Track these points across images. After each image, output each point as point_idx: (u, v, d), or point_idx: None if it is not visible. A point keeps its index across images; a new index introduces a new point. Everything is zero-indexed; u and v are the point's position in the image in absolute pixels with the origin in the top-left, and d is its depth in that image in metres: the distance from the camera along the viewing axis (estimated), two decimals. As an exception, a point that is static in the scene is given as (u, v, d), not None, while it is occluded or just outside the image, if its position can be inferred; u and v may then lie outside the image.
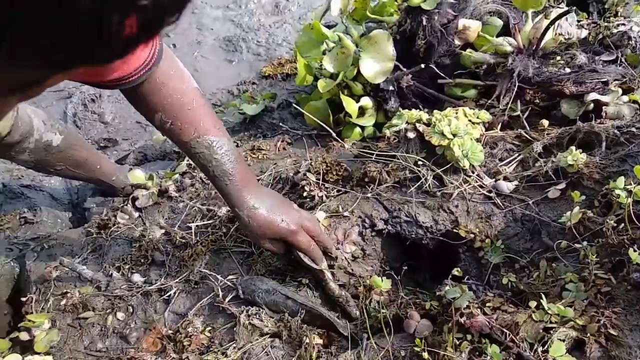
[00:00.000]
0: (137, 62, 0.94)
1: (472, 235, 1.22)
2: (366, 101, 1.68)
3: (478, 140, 1.34)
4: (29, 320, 1.25)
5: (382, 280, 1.11)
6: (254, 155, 1.70)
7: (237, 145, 1.84)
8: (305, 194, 1.39)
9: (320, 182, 1.44)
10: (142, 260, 1.42)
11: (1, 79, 0.37)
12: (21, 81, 0.41)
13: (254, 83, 2.36)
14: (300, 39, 1.82)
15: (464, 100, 1.63)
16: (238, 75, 2.48)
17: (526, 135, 1.36)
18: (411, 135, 1.37)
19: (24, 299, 1.36)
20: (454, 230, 1.24)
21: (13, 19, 0.30)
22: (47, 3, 0.30)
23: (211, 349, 1.15)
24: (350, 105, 1.63)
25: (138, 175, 1.62)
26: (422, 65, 1.55)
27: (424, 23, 1.60)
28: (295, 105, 1.92)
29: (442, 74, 1.63)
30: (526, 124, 1.39)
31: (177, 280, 1.34)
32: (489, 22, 1.64)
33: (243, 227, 1.16)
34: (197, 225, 1.45)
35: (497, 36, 1.63)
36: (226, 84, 2.42)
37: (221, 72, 2.51)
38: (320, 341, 1.12)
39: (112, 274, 1.40)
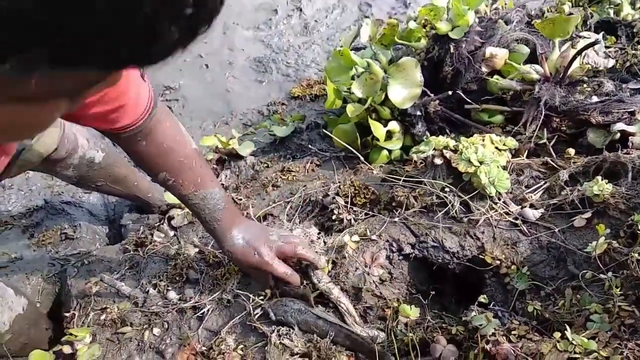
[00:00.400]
0: (139, 110, 1.07)
1: (498, 262, 1.25)
2: (394, 125, 1.73)
3: (504, 167, 1.37)
4: (71, 334, 1.33)
5: (410, 309, 1.14)
6: (283, 177, 1.76)
7: (267, 167, 1.90)
8: (334, 217, 1.43)
9: (349, 205, 1.48)
10: (177, 278, 1.48)
11: (56, 79, 0.42)
12: (70, 84, 0.46)
13: (283, 104, 2.43)
14: (330, 65, 1.88)
15: (491, 125, 1.66)
16: (268, 95, 2.55)
17: (552, 163, 1.38)
18: (438, 161, 1.41)
19: (66, 314, 1.44)
20: (480, 256, 1.27)
21: (73, 20, 0.35)
22: (110, 9, 0.35)
23: (243, 366, 1.20)
24: (378, 130, 1.68)
25: (172, 196, 1.69)
26: (450, 92, 1.59)
27: (452, 51, 1.64)
28: (323, 128, 1.98)
29: (468, 100, 1.66)
30: (552, 152, 1.42)
31: (210, 298, 1.40)
32: (516, 49, 1.67)
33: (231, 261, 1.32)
34: (229, 245, 1.50)
35: (524, 64, 1.66)
36: (256, 104, 2.50)
37: (251, 92, 2.59)
38: (349, 362, 1.15)
39: (148, 290, 1.47)
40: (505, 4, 2.23)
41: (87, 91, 0.49)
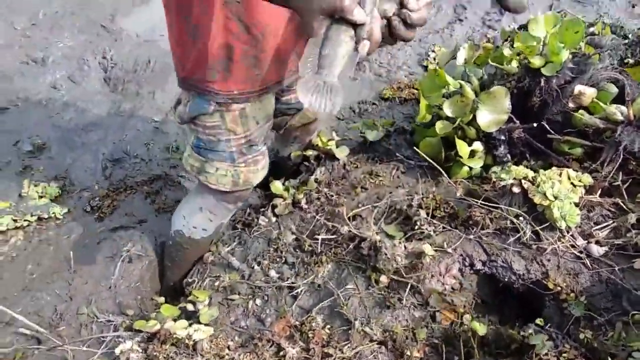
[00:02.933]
0: None
1: (559, 288, 1.43)
2: (477, 145, 1.90)
3: (577, 204, 1.52)
4: (194, 295, 1.65)
5: (479, 325, 1.36)
6: (372, 180, 1.98)
7: (357, 167, 2.12)
8: (416, 227, 1.65)
9: (429, 217, 1.69)
10: (278, 259, 1.77)
11: None
12: None
13: (374, 103, 2.63)
14: (424, 81, 2.05)
15: (570, 157, 1.79)
16: (359, 93, 2.75)
17: (623, 205, 1.52)
18: (516, 190, 1.58)
19: (188, 279, 1.78)
20: (544, 281, 1.46)
21: None
22: None
23: (330, 344, 1.48)
24: (463, 148, 1.86)
25: (277, 186, 1.97)
26: (535, 124, 1.74)
27: (542, 84, 1.77)
28: (410, 134, 2.17)
29: (552, 131, 1.80)
30: (625, 194, 1.55)
31: (304, 281, 1.67)
32: (605, 88, 1.77)
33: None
34: (322, 238, 1.77)
35: (612, 101, 1.76)
36: (349, 100, 2.71)
37: (345, 89, 2.79)
38: (419, 355, 1.40)
39: (253, 266, 1.77)
40: (603, 28, 2.29)
41: None
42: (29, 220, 2.21)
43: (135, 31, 3.54)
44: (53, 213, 2.25)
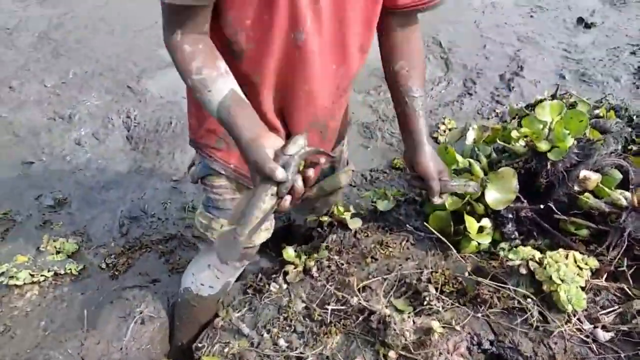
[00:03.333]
0: None
1: (565, 373, 1.44)
2: (486, 222, 1.95)
3: (583, 287, 1.56)
4: (204, 361, 1.68)
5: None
6: (382, 251, 2.03)
7: (367, 236, 2.18)
8: (425, 302, 1.69)
9: (438, 292, 1.73)
10: (287, 328, 1.80)
11: None
12: None
13: (385, 172, 2.72)
14: (435, 156, 2.14)
15: (576, 238, 1.84)
16: (371, 161, 2.85)
17: (628, 291, 1.55)
18: (523, 270, 1.62)
19: (198, 344, 1.80)
20: (550, 364, 1.47)
21: None
22: None
23: (337, 419, 1.48)
24: (472, 225, 1.91)
25: (290, 253, 2.02)
26: (542, 206, 1.80)
27: (548, 167, 1.85)
28: (419, 205, 2.24)
29: (558, 212, 1.86)
30: (630, 280, 1.59)
31: (313, 352, 1.70)
32: (609, 173, 1.84)
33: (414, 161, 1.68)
34: (332, 308, 1.80)
35: (617, 187, 1.83)
36: (361, 167, 2.80)
37: (357, 155, 2.90)
38: None
39: (263, 334, 1.80)
40: (607, 111, 2.39)
41: None
42: (45, 276, 2.28)
43: (159, 92, 3.73)
44: (69, 269, 2.32)
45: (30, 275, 2.25)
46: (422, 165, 1.63)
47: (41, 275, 2.27)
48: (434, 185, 1.66)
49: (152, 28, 4.51)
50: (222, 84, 1.18)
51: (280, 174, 1.06)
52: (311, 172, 1.14)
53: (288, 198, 1.11)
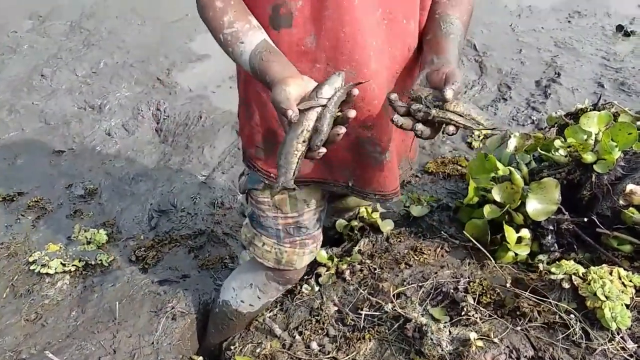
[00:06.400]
0: None
1: (609, 393, 1.40)
2: (525, 232, 1.91)
3: (627, 305, 1.51)
4: (236, 361, 1.67)
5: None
6: (416, 257, 2.00)
7: (400, 241, 2.15)
8: (462, 312, 1.66)
9: (475, 303, 1.69)
10: (319, 331, 1.78)
11: None
12: None
13: (417, 176, 2.68)
14: (474, 162, 2.10)
15: (618, 253, 1.79)
16: (402, 169, 2.81)
17: (676, 311, 1.50)
18: (566, 285, 1.58)
19: (230, 345, 1.80)
20: (593, 383, 1.43)
21: None
22: None
23: None
24: (511, 235, 1.87)
25: (322, 254, 2.00)
26: (585, 219, 1.75)
27: (593, 179, 1.80)
28: (453, 212, 2.20)
29: (601, 225, 1.81)
30: (678, 300, 1.53)
31: (346, 357, 1.68)
32: (657, 188, 1.79)
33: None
34: (366, 314, 1.78)
35: (663, 202, 1.77)
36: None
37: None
38: None
39: (295, 336, 1.78)
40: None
41: None
42: (76, 265, 2.29)
43: (189, 86, 3.73)
44: (100, 260, 2.33)
45: (62, 264, 2.26)
46: (448, 70, 1.11)
47: (72, 265, 2.28)
48: (457, 81, 1.08)
49: (183, 20, 4.52)
50: (253, 35, 1.14)
51: (290, 114, 0.99)
52: (353, 113, 1.03)
53: (323, 150, 1.02)
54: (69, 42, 4.34)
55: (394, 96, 1.11)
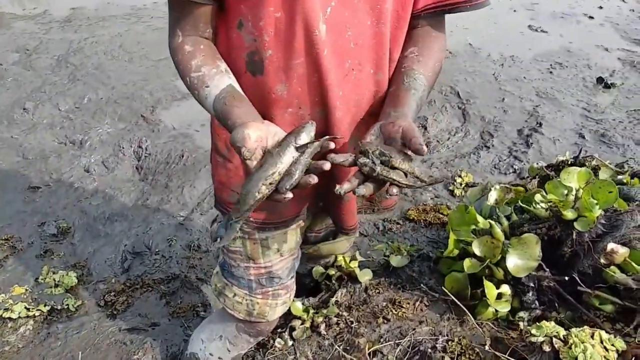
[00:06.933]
0: None
1: None
2: (505, 289, 1.86)
3: (610, 371, 1.46)
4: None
5: None
6: (394, 311, 1.94)
7: (379, 292, 2.09)
8: (440, 374, 1.59)
9: (454, 363, 1.63)
10: (291, 390, 1.70)
11: None
12: None
13: (398, 223, 2.65)
14: (454, 214, 2.07)
15: (600, 313, 1.75)
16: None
17: (659, 379, 1.45)
18: (547, 348, 1.53)
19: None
20: None
21: None
22: None
23: None
24: (491, 291, 1.82)
25: (297, 307, 1.93)
26: (566, 278, 1.72)
27: (574, 236, 1.78)
28: (433, 263, 2.16)
29: (582, 284, 1.77)
30: (661, 367, 1.48)
31: (317, 419, 1.59)
32: (637, 247, 1.76)
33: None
34: (340, 372, 1.70)
35: (644, 262, 1.74)
36: (374, 217, 2.73)
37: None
38: None
39: (265, 395, 1.69)
40: (631, 178, 2.33)
41: None
42: (41, 310, 2.19)
43: (173, 124, 3.70)
44: (67, 304, 2.23)
45: (26, 309, 2.16)
46: (405, 124, 1.11)
47: (37, 310, 2.18)
48: (417, 136, 1.07)
49: (169, 58, 4.50)
50: (220, 80, 1.14)
51: (244, 150, 0.98)
52: (327, 166, 1.02)
53: (289, 195, 1.00)
54: (54, 76, 4.32)
55: (333, 156, 1.09)
